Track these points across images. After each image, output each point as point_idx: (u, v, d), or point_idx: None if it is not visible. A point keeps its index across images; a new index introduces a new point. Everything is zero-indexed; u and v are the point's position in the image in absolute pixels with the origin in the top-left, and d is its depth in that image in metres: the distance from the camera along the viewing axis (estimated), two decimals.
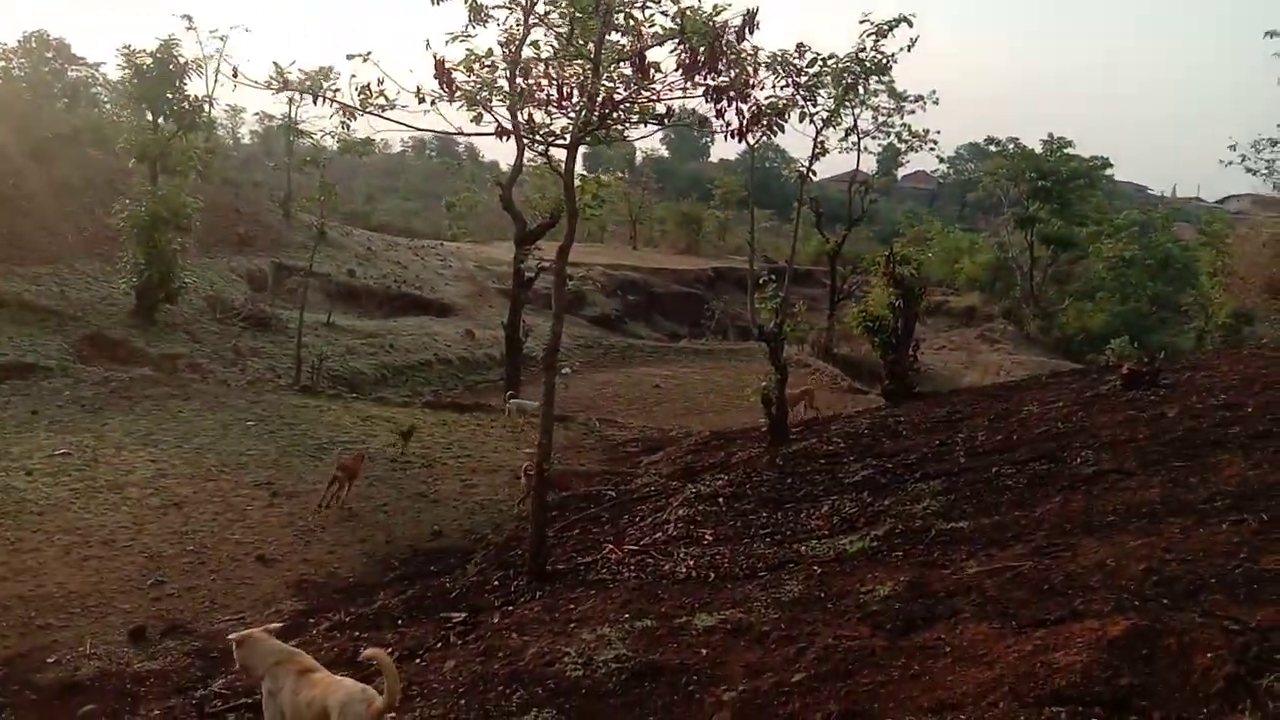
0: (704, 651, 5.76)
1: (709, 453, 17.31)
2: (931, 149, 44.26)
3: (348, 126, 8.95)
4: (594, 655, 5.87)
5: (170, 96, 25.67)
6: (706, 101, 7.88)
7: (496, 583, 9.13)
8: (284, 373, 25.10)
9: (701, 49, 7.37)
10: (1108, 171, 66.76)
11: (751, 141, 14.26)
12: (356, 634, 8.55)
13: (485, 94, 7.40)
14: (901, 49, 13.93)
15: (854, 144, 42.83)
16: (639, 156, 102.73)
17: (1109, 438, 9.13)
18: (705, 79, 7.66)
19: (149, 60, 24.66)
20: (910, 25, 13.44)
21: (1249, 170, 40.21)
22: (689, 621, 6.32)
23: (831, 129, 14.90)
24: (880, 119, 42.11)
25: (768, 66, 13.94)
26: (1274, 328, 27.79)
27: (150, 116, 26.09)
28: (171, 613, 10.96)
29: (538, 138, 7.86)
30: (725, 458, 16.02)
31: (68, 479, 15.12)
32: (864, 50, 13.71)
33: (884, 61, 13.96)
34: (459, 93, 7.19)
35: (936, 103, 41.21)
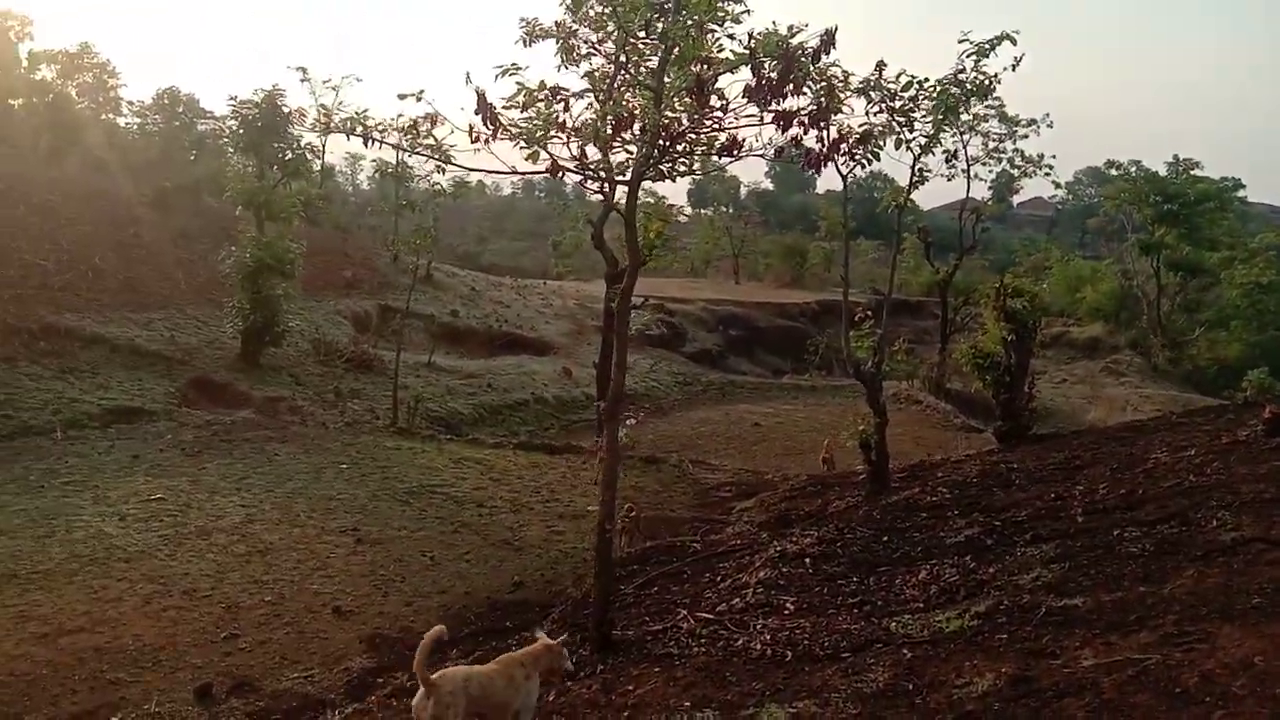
0: None
1: (805, 499, 16.42)
2: (1047, 174, 42.42)
3: (442, 170, 8.67)
4: None
5: (276, 145, 26.33)
6: (778, 129, 7.21)
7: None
8: (383, 414, 25.21)
9: (772, 73, 6.71)
10: (1240, 193, 63.06)
11: (843, 170, 13.54)
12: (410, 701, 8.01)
13: (540, 130, 6.89)
14: (1005, 69, 12.95)
15: (963, 171, 41.68)
16: (743, 190, 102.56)
17: (1251, 495, 7.99)
18: (773, 104, 6.99)
19: (255, 110, 25.41)
20: (1014, 43, 12.48)
21: None
22: (755, 715, 5.58)
23: (931, 155, 13.92)
24: (991, 145, 40.72)
25: (859, 91, 13.28)
26: None
27: (257, 165, 26.85)
28: (241, 668, 10.71)
29: (598, 173, 7.30)
30: (821, 506, 15.14)
31: (159, 525, 15.24)
32: (963, 71, 12.82)
33: (986, 83, 13.00)
34: (503, 129, 6.73)
35: (1050, 126, 39.16)
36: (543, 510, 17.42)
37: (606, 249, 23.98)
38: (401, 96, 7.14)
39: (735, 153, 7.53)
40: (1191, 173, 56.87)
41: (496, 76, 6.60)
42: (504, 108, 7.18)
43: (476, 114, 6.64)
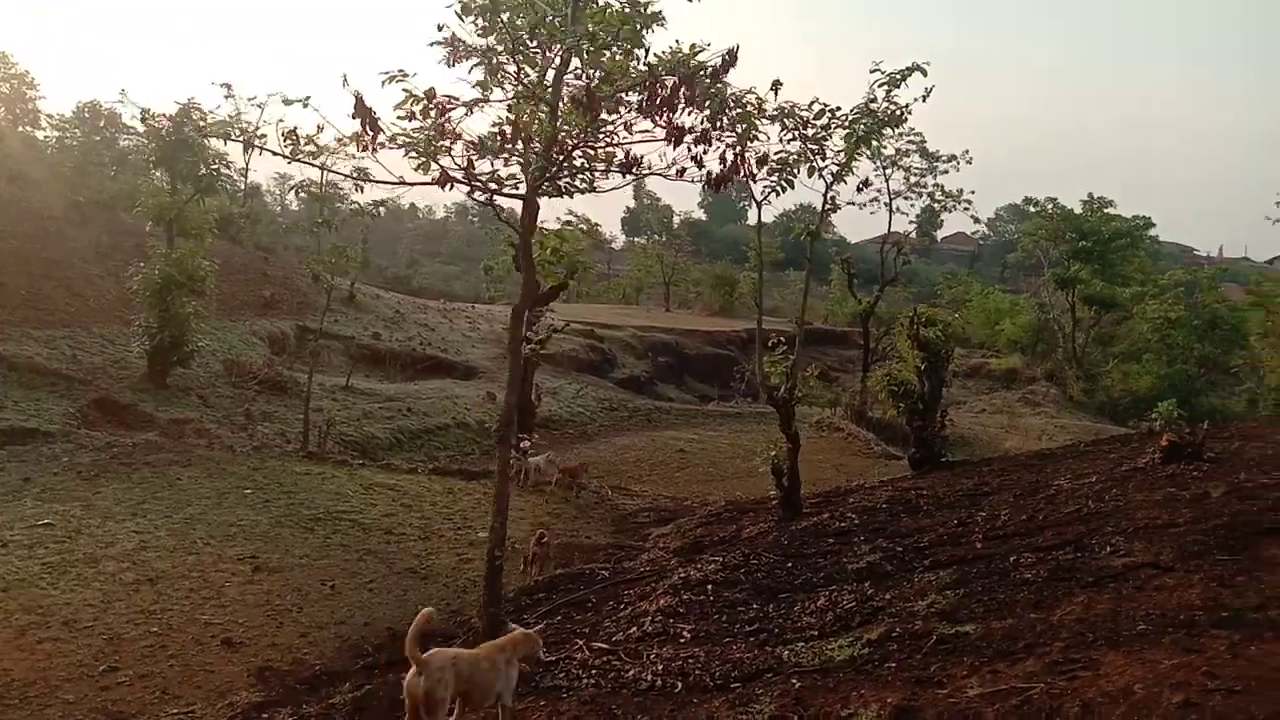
0: None
1: (721, 525, 16.29)
2: (966, 209, 43.50)
3: (360, 189, 8.38)
4: None
5: (189, 160, 25.55)
6: (669, 145, 7.08)
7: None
8: (294, 438, 24.45)
9: (664, 87, 6.59)
10: (1151, 231, 65.37)
11: (758, 195, 13.49)
12: None
13: (426, 142, 6.65)
14: (916, 100, 13.12)
15: (885, 205, 42.52)
16: (676, 219, 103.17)
17: (1145, 521, 8.03)
18: (662, 119, 6.86)
19: (167, 124, 24.62)
20: (924, 74, 12.66)
21: None
22: None
23: (843, 183, 14.02)
24: (913, 179, 41.64)
25: (773, 118, 13.32)
26: None
27: (169, 180, 26.02)
28: (118, 704, 10.10)
29: (486, 186, 7.07)
30: (736, 531, 15.03)
31: (43, 551, 14.42)
32: (874, 101, 12.95)
33: (897, 113, 13.15)
34: (391, 139, 6.48)
35: (970, 162, 40.53)
36: (453, 538, 16.97)
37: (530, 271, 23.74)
38: (287, 102, 6.84)
39: (634, 170, 7.37)
40: (1105, 211, 58.78)
41: (384, 83, 6.36)
42: (397, 117, 6.94)
43: (354, 118, 6.37)
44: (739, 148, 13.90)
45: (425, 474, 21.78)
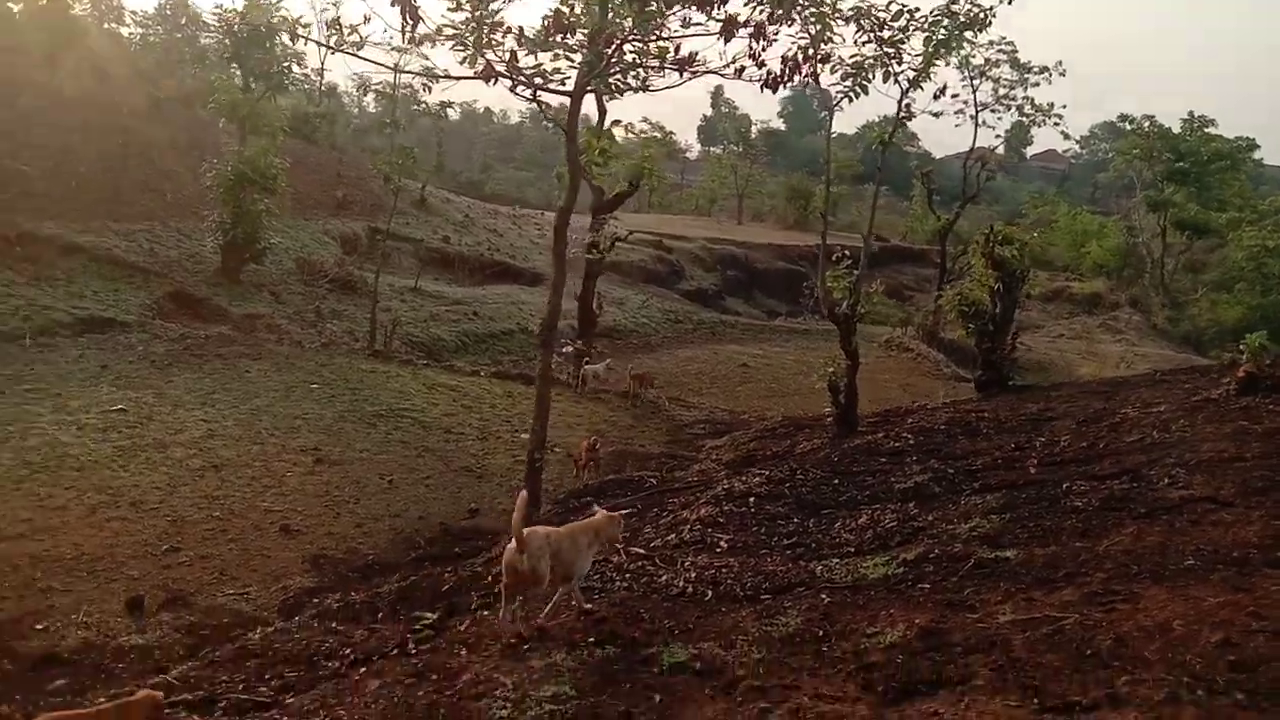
0: (657, 698, 4.77)
1: (775, 440, 16.16)
2: (1057, 124, 41.66)
3: (428, 89, 8.23)
4: (530, 692, 4.95)
5: (259, 57, 25.56)
6: (721, 40, 6.72)
7: (490, 579, 8.27)
8: (362, 336, 24.85)
9: None
10: (1255, 154, 61.98)
11: (831, 97, 12.99)
12: (333, 624, 7.82)
13: (473, 33, 6.42)
14: (1001, 2, 12.34)
15: (972, 117, 40.82)
16: (754, 129, 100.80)
17: (1210, 454, 7.67)
18: (717, 12, 6.50)
19: (238, 20, 24.62)
20: None
21: None
22: (657, 655, 5.33)
23: (920, 90, 13.36)
24: (1001, 91, 39.82)
25: (847, 19, 12.71)
26: None
27: (241, 77, 26.11)
28: (177, 582, 10.54)
29: (531, 80, 6.83)
30: (789, 446, 14.89)
31: (116, 435, 14.99)
32: (956, 1, 12.22)
33: (981, 15, 12.41)
34: (436, 30, 6.26)
35: (1063, 74, 38.59)
36: (510, 439, 17.19)
37: (588, 178, 23.44)
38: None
39: (689, 67, 7.04)
40: (1205, 131, 55.71)
41: None
42: (446, 9, 6.71)
43: (393, 5, 6.16)
44: (810, 48, 13.36)
45: (487, 377, 22.04)
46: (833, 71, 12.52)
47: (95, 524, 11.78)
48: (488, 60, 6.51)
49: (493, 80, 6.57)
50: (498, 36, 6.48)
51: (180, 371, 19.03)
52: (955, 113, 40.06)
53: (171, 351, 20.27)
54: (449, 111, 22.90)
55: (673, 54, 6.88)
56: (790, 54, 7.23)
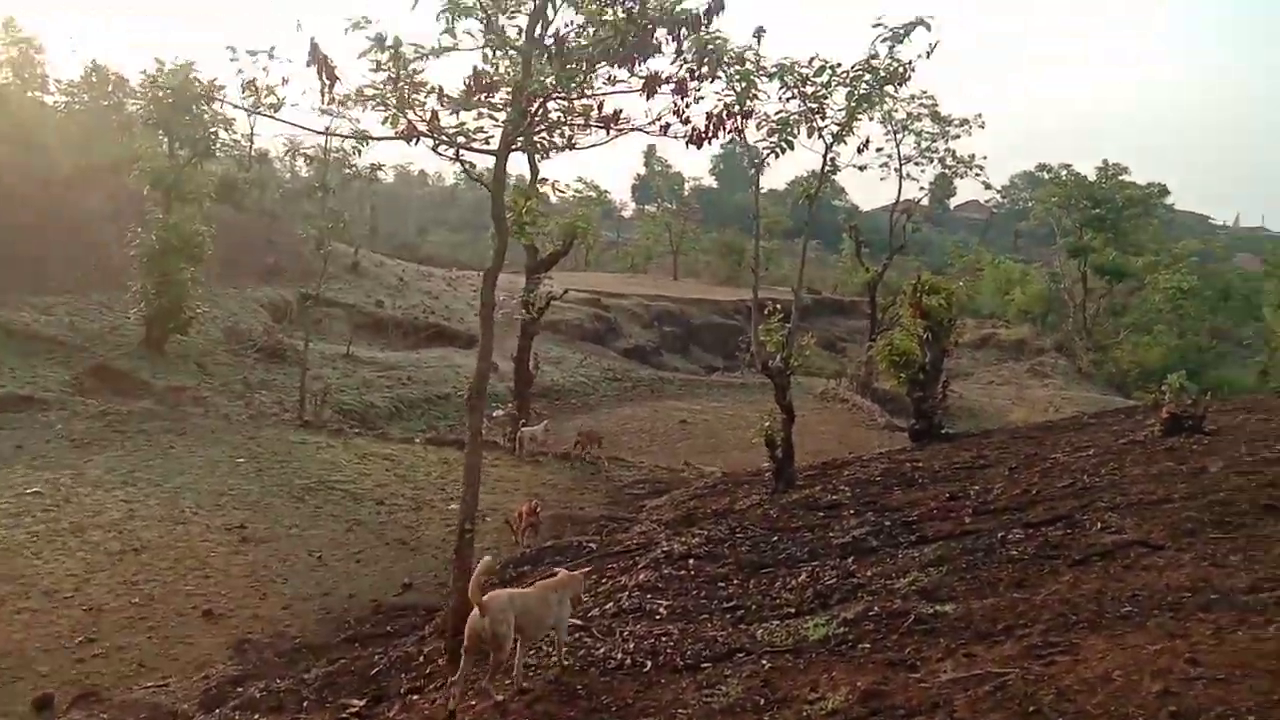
0: None
1: (715, 497, 16.05)
2: (977, 175, 42.89)
3: (358, 152, 8.10)
4: None
5: (187, 122, 25.20)
6: (643, 96, 6.71)
7: (421, 659, 7.97)
8: (291, 406, 24.32)
9: (632, 34, 6.22)
10: (1166, 200, 64.47)
11: (754, 156, 13.17)
12: (255, 716, 7.44)
13: (394, 93, 6.33)
14: (920, 56, 12.60)
15: (896, 170, 41.88)
16: (687, 186, 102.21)
17: (1139, 496, 7.74)
18: (637, 69, 6.50)
19: (166, 86, 24.27)
20: (928, 29, 12.16)
21: None
22: None
23: (844, 144, 13.56)
24: (924, 144, 40.94)
25: (770, 75, 12.88)
26: None
27: (167, 143, 25.70)
28: (92, 677, 9.97)
29: (454, 140, 6.73)
30: (729, 503, 14.78)
31: (30, 520, 14.30)
32: (875, 57, 12.47)
33: (900, 70, 12.65)
34: (342, 87, 6.16)
35: (982, 126, 39.82)
36: (444, 509, 16.78)
37: (517, 238, 23.39)
38: (252, 53, 6.53)
39: (614, 124, 7.02)
40: (1119, 178, 57.88)
41: (346, 30, 6.03)
42: (370, 69, 6.62)
43: (309, 65, 6.05)
44: (735, 104, 13.54)
45: (421, 444, 21.62)
46: (759, 128, 12.55)
47: (3, 617, 11.15)
48: (409, 120, 6.41)
49: (414, 140, 6.47)
50: (420, 96, 6.40)
51: (101, 450, 18.33)
52: (880, 166, 41.16)
53: (92, 429, 19.54)
54: (380, 175, 22.77)
55: (597, 112, 6.85)
56: (715, 110, 7.24)
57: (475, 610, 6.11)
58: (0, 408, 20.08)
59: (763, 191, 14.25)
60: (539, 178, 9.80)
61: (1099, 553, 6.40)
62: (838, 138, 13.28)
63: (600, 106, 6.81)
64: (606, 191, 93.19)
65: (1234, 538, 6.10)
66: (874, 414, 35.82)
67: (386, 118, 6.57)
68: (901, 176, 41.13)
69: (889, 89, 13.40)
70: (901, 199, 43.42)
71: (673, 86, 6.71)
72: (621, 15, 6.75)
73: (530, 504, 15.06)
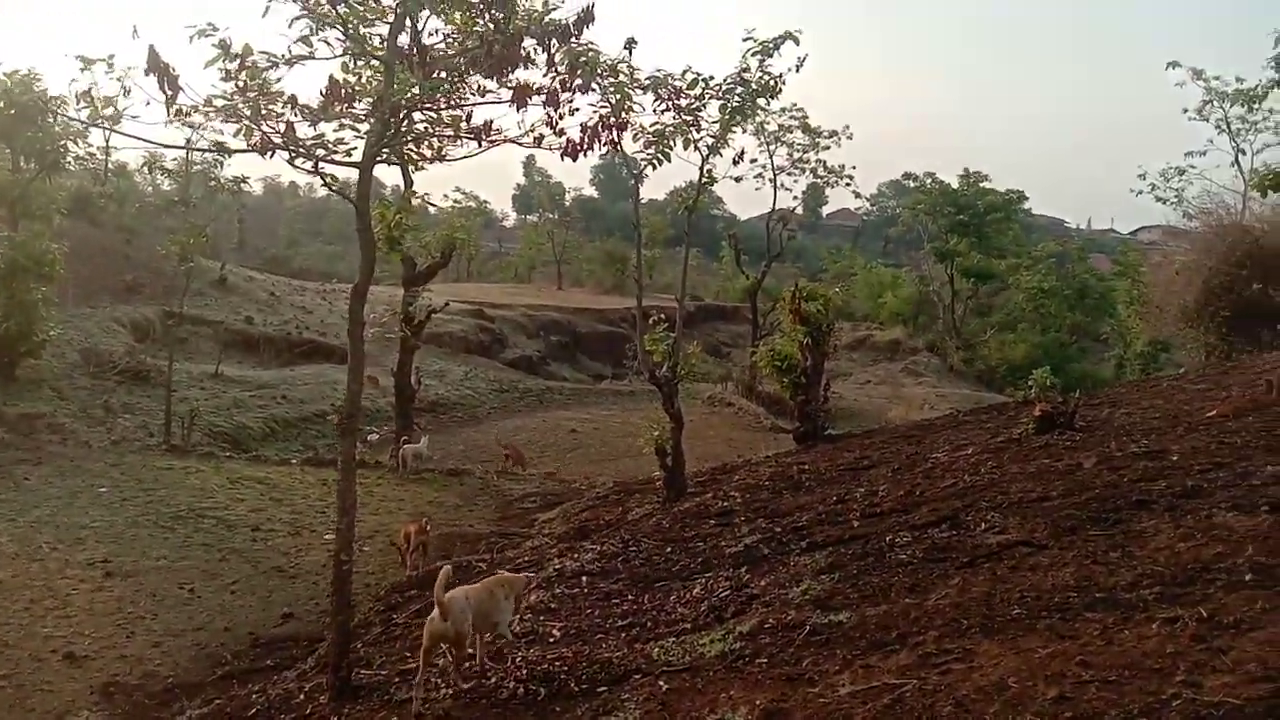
0: None
1: (607, 508, 15.95)
2: (847, 184, 44.08)
3: (220, 165, 7.58)
4: None
5: (32, 136, 23.66)
6: (514, 108, 6.54)
7: (303, 697, 7.56)
8: (157, 430, 23.06)
9: (499, 44, 6.03)
10: (1025, 205, 67.67)
11: (633, 168, 13.17)
12: None
13: (247, 103, 5.97)
14: (789, 70, 12.79)
15: (770, 180, 42.75)
16: (568, 197, 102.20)
17: (1019, 495, 7.95)
18: (503, 77, 6.33)
19: (4, 96, 22.72)
20: (797, 43, 12.36)
21: (1159, 199, 40.66)
22: None
23: (719, 156, 13.65)
24: (796, 155, 41.92)
25: (645, 88, 12.86)
26: (1190, 355, 27.47)
27: (10, 157, 24.07)
28: None
29: (312, 152, 6.40)
30: (622, 514, 14.71)
31: None
32: (747, 70, 12.58)
33: (770, 83, 12.81)
34: (191, 99, 5.79)
35: (850, 138, 41.03)
36: (324, 533, 16.13)
37: (402, 250, 22.89)
38: (85, 65, 6.06)
39: (485, 136, 6.81)
40: (980, 185, 60.47)
41: (191, 38, 5.65)
42: (222, 77, 6.24)
43: (148, 74, 5.66)
44: (611, 116, 13.42)
45: (299, 465, 20.87)
46: (635, 139, 12.50)
47: None
48: (263, 132, 6.06)
49: (269, 154, 6.11)
50: (276, 107, 6.05)
51: None
52: (755, 176, 41.93)
53: None
54: (246, 187, 21.75)
55: (466, 123, 6.63)
56: (591, 123, 7.11)
57: (436, 613, 6.46)
58: None
59: (643, 201, 14.26)
60: (410, 189, 9.42)
61: (985, 554, 6.51)
62: (713, 149, 13.34)
63: (469, 117, 6.60)
64: (486, 202, 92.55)
65: (1111, 534, 6.29)
66: (759, 417, 36.40)
67: (239, 130, 6.21)
68: (776, 187, 41.98)
69: (761, 102, 13.54)
70: (776, 208, 44.31)
71: (544, 98, 6.53)
72: (489, 25, 6.56)
73: (419, 523, 14.62)
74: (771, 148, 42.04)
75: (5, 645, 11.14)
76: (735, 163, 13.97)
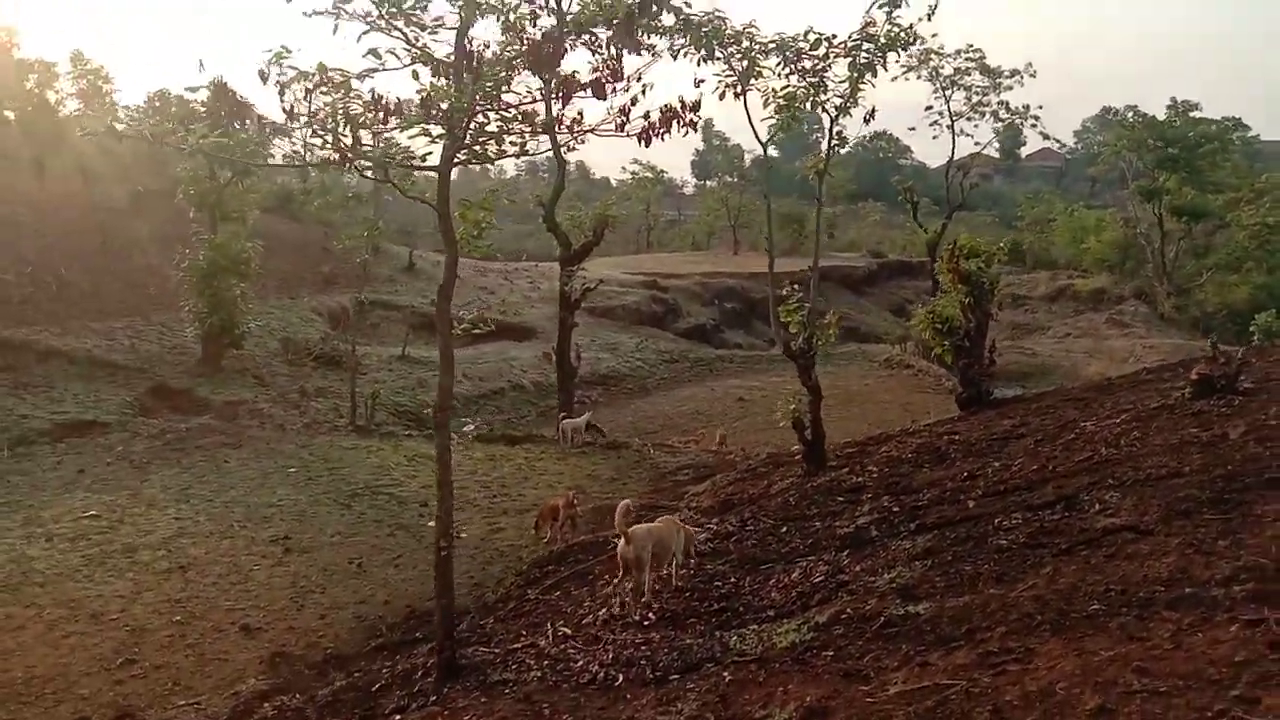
0: None
1: (754, 480, 15.78)
2: (1034, 125, 41.50)
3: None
4: None
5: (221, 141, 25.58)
6: (557, 100, 6.50)
7: (420, 674, 7.96)
8: (346, 412, 24.72)
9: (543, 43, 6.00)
10: (1247, 133, 61.46)
11: (760, 136, 12.88)
12: None
13: (333, 119, 6.25)
14: (920, 19, 12.10)
15: (948, 127, 40.78)
16: (747, 159, 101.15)
17: (1149, 470, 7.29)
18: (547, 72, 6.28)
19: (200, 106, 24.80)
20: None
21: None
22: None
23: (848, 116, 13.09)
24: (975, 99, 39.73)
25: (768, 52, 12.52)
26: None
27: (206, 164, 26.18)
28: (129, 697, 10.26)
29: (398, 163, 6.63)
30: (766, 487, 14.52)
31: (85, 544, 14.80)
32: (872, 25, 11.99)
33: (901, 35, 12.15)
34: (299, 118, 6.11)
35: (1034, 75, 38.57)
36: (487, 507, 16.90)
37: (560, 231, 23.41)
38: (191, 90, 6.51)
39: (565, 129, 6.84)
40: (1190, 115, 55.28)
41: (266, 64, 5.97)
42: (306, 92, 6.56)
43: (205, 108, 6.01)
44: (738, 86, 13.15)
45: (469, 441, 21.77)
46: (765, 105, 12.25)
47: (51, 642, 11.54)
48: (343, 147, 6.30)
49: (348, 164, 6.36)
50: (349, 123, 6.28)
51: (158, 469, 18.89)
52: (930, 124, 40.10)
53: (151, 448, 20.15)
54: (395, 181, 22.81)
55: (525, 120, 6.65)
56: (666, 107, 6.97)
57: (621, 542, 7.87)
58: (64, 433, 20.84)
59: (823, 155, 13.79)
60: (492, 192, 9.59)
61: (1086, 540, 6.03)
62: (841, 110, 12.83)
63: (565, 103, 6.60)
64: (663, 171, 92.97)
65: (1229, 518, 5.67)
66: (940, 378, 35.00)
67: (330, 145, 6.50)
68: (955, 133, 40.05)
69: (897, 53, 12.91)
70: (957, 155, 42.26)
71: (591, 86, 6.47)
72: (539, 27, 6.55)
73: (567, 496, 15.02)
74: (948, 92, 40.11)
75: (193, 617, 12.32)
76: (866, 121, 13.40)
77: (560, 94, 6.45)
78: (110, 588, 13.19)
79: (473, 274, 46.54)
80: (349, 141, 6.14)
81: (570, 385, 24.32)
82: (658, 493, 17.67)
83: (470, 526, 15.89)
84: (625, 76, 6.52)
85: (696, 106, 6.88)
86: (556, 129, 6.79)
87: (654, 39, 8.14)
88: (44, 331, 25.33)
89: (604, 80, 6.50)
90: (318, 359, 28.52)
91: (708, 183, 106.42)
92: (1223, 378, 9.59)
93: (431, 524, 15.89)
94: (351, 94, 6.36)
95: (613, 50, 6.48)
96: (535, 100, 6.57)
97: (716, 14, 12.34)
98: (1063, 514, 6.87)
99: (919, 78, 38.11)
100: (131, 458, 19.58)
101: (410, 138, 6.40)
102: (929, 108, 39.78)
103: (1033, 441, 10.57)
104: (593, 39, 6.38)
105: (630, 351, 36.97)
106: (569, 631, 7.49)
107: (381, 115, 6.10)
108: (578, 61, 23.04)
